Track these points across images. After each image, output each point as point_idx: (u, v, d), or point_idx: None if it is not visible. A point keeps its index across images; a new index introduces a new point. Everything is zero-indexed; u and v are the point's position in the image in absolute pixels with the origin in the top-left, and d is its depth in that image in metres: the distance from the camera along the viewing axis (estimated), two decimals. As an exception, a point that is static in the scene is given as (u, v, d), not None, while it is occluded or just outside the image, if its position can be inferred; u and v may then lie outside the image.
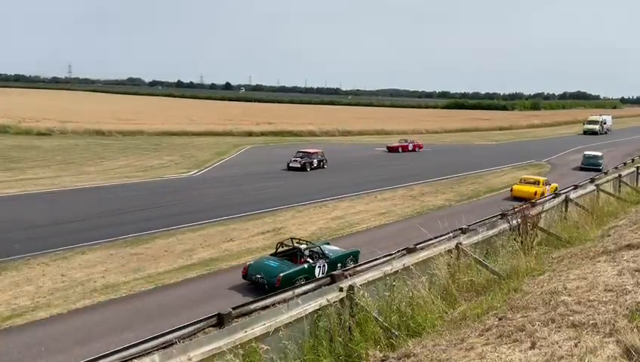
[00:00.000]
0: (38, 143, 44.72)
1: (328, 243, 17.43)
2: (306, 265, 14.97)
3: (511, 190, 29.40)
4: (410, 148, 50.03)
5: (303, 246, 15.45)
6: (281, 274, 14.16)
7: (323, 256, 15.53)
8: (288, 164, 36.70)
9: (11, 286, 14.41)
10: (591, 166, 39.15)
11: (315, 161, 37.41)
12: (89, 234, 19.22)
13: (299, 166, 36.21)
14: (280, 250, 15.77)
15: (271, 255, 15.72)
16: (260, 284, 14.33)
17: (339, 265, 15.18)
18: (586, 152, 42.45)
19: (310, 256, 15.39)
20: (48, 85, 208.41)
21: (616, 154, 46.95)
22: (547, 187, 28.72)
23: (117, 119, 64.98)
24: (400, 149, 49.47)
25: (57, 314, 12.91)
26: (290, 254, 15.42)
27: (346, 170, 37.71)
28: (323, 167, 37.67)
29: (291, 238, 16.17)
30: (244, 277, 15.09)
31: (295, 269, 14.63)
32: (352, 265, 10.88)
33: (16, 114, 60.44)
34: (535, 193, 27.03)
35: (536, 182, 29.39)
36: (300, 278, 14.06)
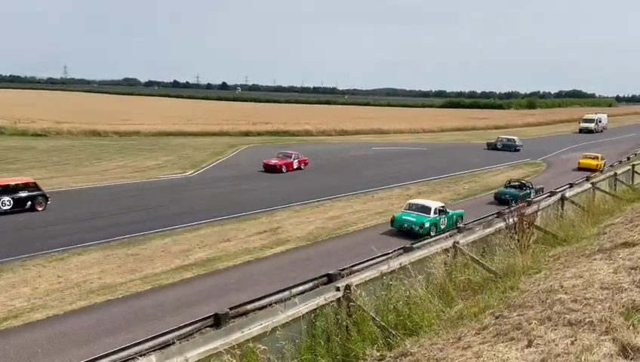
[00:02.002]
0: (33, 144, 44.50)
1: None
2: (528, 191, 26.41)
3: (578, 163, 39.24)
4: (295, 165, 36.05)
5: (525, 181, 28.49)
6: (521, 194, 25.23)
7: (533, 187, 27.18)
8: None
9: (7, 287, 14.36)
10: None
11: (6, 200, 22.06)
12: (85, 236, 19.17)
13: None
14: (509, 184, 28.06)
15: (504, 187, 27.81)
16: (509, 201, 22.22)
17: (538, 193, 24.00)
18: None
19: (528, 187, 27.15)
20: (44, 86, 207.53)
21: (611, 153, 47.12)
22: (602, 161, 38.24)
23: (113, 120, 64.70)
24: (283, 168, 35.21)
25: (54, 315, 12.88)
26: (516, 186, 27.64)
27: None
28: (34, 209, 22.73)
29: (510, 180, 28.88)
30: (495, 198, 27.00)
31: (525, 192, 25.97)
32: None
33: (11, 115, 60.10)
34: (597, 166, 36.43)
35: (595, 157, 39.64)
36: (528, 197, 21.34)
